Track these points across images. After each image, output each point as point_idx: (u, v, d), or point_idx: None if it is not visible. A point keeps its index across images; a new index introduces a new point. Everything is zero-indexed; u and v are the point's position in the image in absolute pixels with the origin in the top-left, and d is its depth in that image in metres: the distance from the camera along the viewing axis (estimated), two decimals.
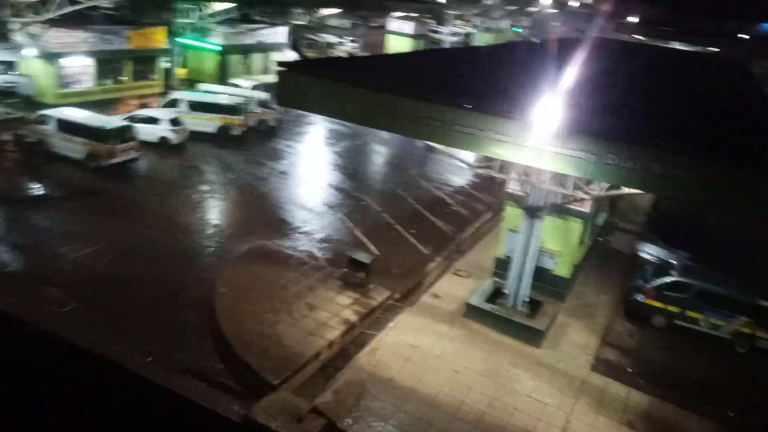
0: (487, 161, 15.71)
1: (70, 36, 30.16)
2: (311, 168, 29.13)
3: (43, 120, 24.89)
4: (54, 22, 28.76)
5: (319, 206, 24.19)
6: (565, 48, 23.80)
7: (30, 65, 30.35)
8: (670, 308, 17.73)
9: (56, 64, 30.01)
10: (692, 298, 17.51)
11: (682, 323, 17.66)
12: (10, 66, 31.30)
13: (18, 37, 29.34)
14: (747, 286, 17.49)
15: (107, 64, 32.58)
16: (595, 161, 10.84)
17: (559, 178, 14.52)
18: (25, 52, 29.80)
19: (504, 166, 15.32)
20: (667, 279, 18.01)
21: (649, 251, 22.39)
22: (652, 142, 10.53)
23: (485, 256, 20.47)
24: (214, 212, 22.85)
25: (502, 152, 11.81)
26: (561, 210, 17.28)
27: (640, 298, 18.18)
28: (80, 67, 31.23)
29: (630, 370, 15.74)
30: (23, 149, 24.60)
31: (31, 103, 29.98)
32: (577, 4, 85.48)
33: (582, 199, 16.03)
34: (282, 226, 21.78)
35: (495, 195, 26.04)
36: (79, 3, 28.37)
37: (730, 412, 14.52)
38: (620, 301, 18.99)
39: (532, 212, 15.59)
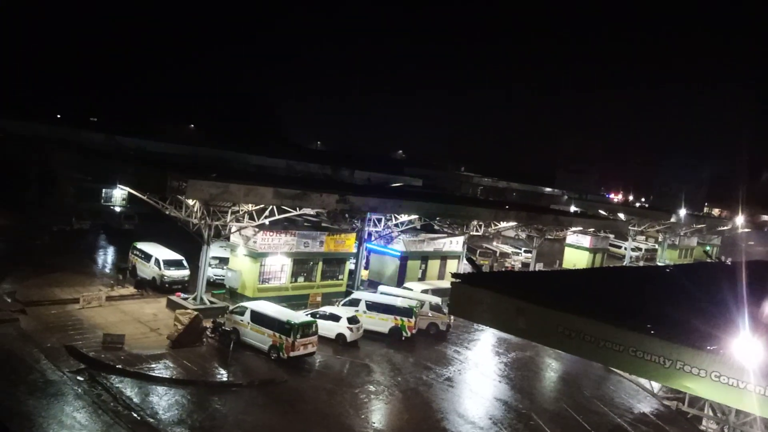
0: (675, 392, 14.14)
1: (275, 239, 34.49)
2: (478, 377, 28.28)
3: (240, 311, 27.76)
4: (263, 226, 33.30)
5: (483, 420, 22.98)
6: (764, 272, 21.88)
7: (238, 261, 34.81)
8: None
9: (260, 262, 34.05)
10: None
11: None
12: (222, 261, 36.25)
13: (233, 238, 34.23)
14: None
15: (302, 264, 36.25)
16: None
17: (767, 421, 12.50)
18: (238, 250, 34.47)
19: (695, 399, 13.64)
20: None
21: None
22: None
23: None
24: (377, 415, 22.69)
25: (693, 387, 10.61)
26: None
27: None
28: (279, 265, 35.07)
29: None
30: (219, 336, 27.30)
31: (233, 294, 33.82)
32: None
33: None
34: None
35: (687, 429, 22.83)
36: (288, 212, 32.86)
37: None
38: None
39: None
